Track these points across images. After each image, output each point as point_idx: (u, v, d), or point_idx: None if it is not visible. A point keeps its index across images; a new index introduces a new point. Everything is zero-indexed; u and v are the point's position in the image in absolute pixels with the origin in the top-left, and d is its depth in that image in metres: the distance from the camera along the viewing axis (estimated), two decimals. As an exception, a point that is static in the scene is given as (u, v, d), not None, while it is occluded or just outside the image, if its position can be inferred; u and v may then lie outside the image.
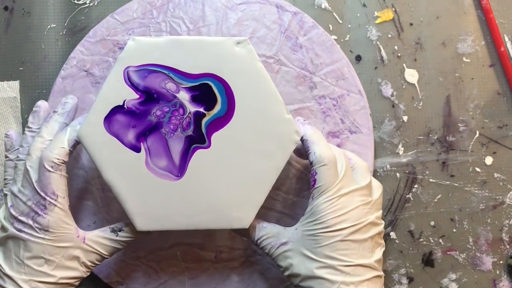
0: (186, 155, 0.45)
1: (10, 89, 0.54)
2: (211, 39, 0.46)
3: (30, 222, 0.43)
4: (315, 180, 0.44)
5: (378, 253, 0.44)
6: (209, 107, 0.45)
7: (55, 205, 0.43)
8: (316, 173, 0.44)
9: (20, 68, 0.55)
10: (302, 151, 0.48)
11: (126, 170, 0.45)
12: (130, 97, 0.45)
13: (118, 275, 0.51)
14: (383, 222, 0.45)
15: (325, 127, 0.53)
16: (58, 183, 0.44)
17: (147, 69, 0.45)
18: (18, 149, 0.47)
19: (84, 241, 0.45)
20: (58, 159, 0.44)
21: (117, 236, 0.46)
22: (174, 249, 0.52)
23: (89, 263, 0.45)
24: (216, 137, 0.45)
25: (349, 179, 0.44)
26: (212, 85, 0.45)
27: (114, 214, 0.51)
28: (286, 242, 0.45)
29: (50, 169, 0.43)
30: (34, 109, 0.48)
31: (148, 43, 0.45)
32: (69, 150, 0.44)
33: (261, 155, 0.45)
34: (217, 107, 0.45)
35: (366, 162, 0.50)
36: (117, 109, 0.45)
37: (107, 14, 0.54)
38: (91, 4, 0.55)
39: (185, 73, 0.45)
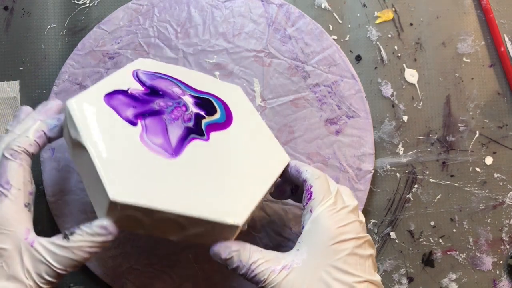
0: (183, 141, 0.41)
1: (10, 89, 0.54)
2: (211, 77, 0.50)
3: None
4: (311, 193, 0.42)
5: (377, 275, 0.41)
6: (210, 113, 0.45)
7: (6, 196, 0.38)
8: (311, 186, 0.42)
9: (20, 68, 0.55)
10: (282, 188, 0.47)
11: (116, 138, 0.39)
12: (136, 87, 0.43)
13: (133, 284, 0.51)
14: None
15: (322, 115, 0.53)
16: (14, 172, 0.39)
17: (156, 75, 0.46)
18: None
19: (32, 245, 0.38)
20: (19, 146, 0.39)
21: (68, 241, 0.37)
22: (186, 252, 0.52)
23: (36, 276, 0.37)
24: (215, 135, 0.44)
25: (341, 198, 0.43)
26: (213, 101, 0.47)
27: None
28: (288, 265, 0.39)
29: (9, 156, 0.39)
30: (16, 113, 0.46)
31: (156, 63, 0.47)
32: (34, 140, 0.40)
33: (255, 165, 0.44)
34: (217, 115, 0.45)
35: (367, 144, 0.53)
36: (120, 91, 0.42)
37: (107, 14, 0.54)
38: (91, 4, 0.55)
39: (190, 86, 0.47)
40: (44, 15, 0.55)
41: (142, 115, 0.41)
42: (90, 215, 0.51)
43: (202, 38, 0.53)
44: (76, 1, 0.55)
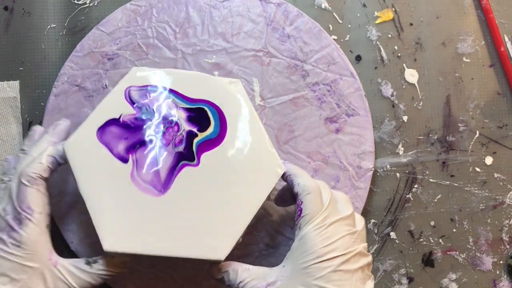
0: (173, 171, 0.44)
1: (10, 89, 0.54)
2: (208, 75, 0.48)
3: (5, 237, 0.41)
4: (301, 210, 0.42)
5: (370, 284, 0.42)
6: (202, 129, 0.46)
7: (30, 220, 0.41)
8: (301, 202, 0.42)
9: (20, 68, 0.55)
10: (283, 196, 0.48)
11: (108, 181, 0.43)
12: (127, 112, 0.45)
13: (134, 285, 0.51)
14: (370, 254, 0.44)
15: (322, 114, 0.53)
16: (34, 197, 0.42)
17: (148, 90, 0.46)
18: (11, 171, 0.46)
19: (55, 266, 0.42)
20: (35, 173, 0.42)
21: (90, 268, 0.43)
22: None
23: None
24: (205, 156, 0.45)
25: (334, 208, 0.43)
26: (207, 110, 0.46)
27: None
28: (273, 282, 0.41)
29: (26, 183, 0.42)
30: (29, 133, 0.48)
31: (149, 70, 0.47)
32: (47, 166, 0.43)
33: (246, 183, 0.44)
34: (210, 130, 0.46)
35: (367, 142, 0.53)
36: (112, 121, 0.45)
37: (107, 14, 0.54)
38: (91, 4, 0.55)
39: (184, 95, 0.46)
40: (44, 15, 0.55)
41: (133, 147, 0.44)
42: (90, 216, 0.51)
43: (201, 38, 0.53)
44: (76, 1, 0.56)
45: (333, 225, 0.42)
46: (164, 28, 0.54)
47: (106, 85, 0.53)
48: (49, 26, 0.55)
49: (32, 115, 0.54)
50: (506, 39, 0.56)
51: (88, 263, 0.43)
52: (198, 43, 0.53)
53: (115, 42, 0.53)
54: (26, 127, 0.54)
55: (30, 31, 0.55)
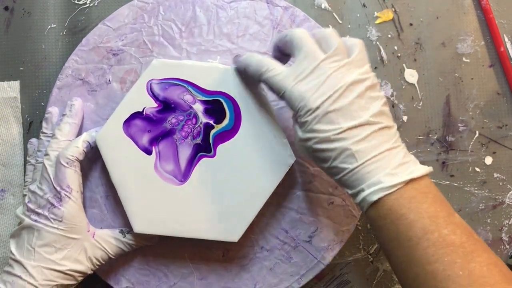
0: (192, 162, 0.48)
1: (11, 89, 0.54)
2: (225, 67, 0.49)
3: (46, 213, 0.46)
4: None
5: (374, 107, 0.40)
6: (218, 121, 0.49)
7: (70, 198, 0.47)
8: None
9: (21, 68, 0.55)
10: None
11: (135, 172, 0.48)
12: (150, 105, 0.48)
13: (128, 281, 0.52)
14: (370, 75, 0.42)
15: None
16: (72, 178, 0.47)
17: (169, 82, 0.49)
18: (37, 153, 0.50)
19: (93, 236, 0.48)
20: (72, 155, 0.47)
21: (124, 237, 0.50)
22: (182, 251, 0.52)
23: (94, 260, 0.48)
24: (221, 148, 0.48)
25: (308, 56, 0.42)
26: (223, 101, 0.49)
27: (120, 220, 0.52)
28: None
29: (66, 164, 0.47)
30: (46, 115, 0.52)
31: (169, 63, 0.49)
32: (83, 150, 0.48)
33: (258, 173, 0.48)
34: (225, 121, 0.48)
35: None
36: (136, 115, 0.49)
37: (107, 15, 0.54)
38: (91, 5, 0.55)
39: (202, 88, 0.49)
40: (45, 15, 0.55)
41: (156, 140, 0.48)
42: (90, 221, 0.51)
43: (206, 38, 0.53)
44: (76, 1, 0.55)
45: (314, 73, 0.41)
46: (170, 26, 0.53)
47: (109, 80, 0.53)
48: (49, 26, 0.55)
49: (33, 115, 0.54)
50: (506, 39, 0.56)
51: (122, 232, 0.50)
52: (203, 43, 0.53)
53: (121, 38, 0.53)
54: (27, 127, 0.54)
55: (30, 31, 0.55)
